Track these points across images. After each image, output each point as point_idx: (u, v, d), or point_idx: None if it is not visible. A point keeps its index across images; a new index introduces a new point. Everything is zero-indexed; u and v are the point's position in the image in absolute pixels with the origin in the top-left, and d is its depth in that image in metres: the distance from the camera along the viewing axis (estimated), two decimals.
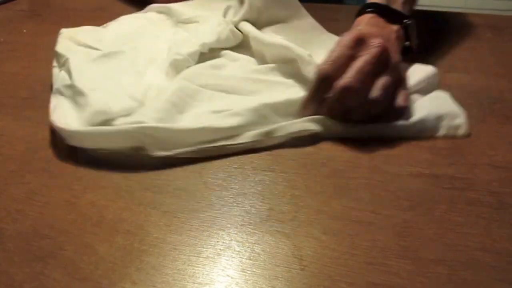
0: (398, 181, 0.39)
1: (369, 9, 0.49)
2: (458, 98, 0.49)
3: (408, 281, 0.30)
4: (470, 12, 0.75)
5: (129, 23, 0.62)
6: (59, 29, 0.59)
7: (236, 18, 0.56)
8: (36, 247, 0.34)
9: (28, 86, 0.54)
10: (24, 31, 0.71)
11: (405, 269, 0.31)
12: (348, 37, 0.43)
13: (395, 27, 0.48)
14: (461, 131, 0.44)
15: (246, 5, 0.55)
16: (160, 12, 0.63)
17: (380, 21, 0.48)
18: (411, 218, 0.35)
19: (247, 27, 0.55)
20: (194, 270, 0.32)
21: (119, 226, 0.35)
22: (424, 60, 0.57)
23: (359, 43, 0.43)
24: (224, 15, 0.59)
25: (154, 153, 0.42)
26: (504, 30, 0.66)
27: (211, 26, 0.56)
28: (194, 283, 0.31)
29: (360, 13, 0.50)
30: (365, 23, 0.47)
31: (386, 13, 0.48)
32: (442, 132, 0.44)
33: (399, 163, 0.41)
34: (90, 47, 0.55)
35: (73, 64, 0.50)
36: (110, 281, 0.31)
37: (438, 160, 0.41)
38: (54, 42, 0.61)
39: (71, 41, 0.57)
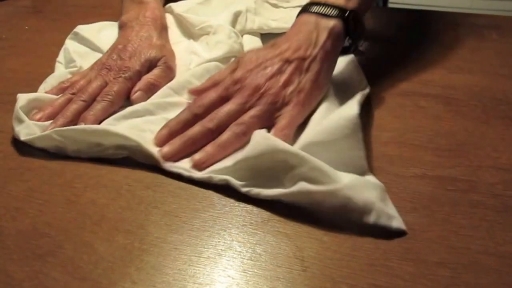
0: (401, 183, 0.38)
1: (309, 7, 0.48)
2: (463, 99, 0.49)
3: (410, 283, 0.30)
4: (476, 13, 0.75)
5: None
6: (61, 25, 0.59)
7: (249, 27, 0.58)
8: (35, 245, 0.33)
9: (29, 83, 0.53)
10: (26, 27, 0.71)
11: (407, 271, 0.31)
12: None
13: (331, 23, 0.46)
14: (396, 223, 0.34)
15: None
16: (172, 20, 0.62)
17: (314, 20, 0.46)
18: (413, 220, 0.35)
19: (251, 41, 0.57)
20: (194, 270, 0.31)
21: (119, 225, 0.35)
22: (428, 61, 0.57)
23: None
24: (234, 22, 0.58)
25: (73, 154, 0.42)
26: (509, 31, 0.66)
27: (222, 38, 0.55)
28: (194, 283, 0.30)
29: (301, 11, 0.48)
30: (297, 29, 0.47)
31: (323, 9, 0.47)
32: (369, 218, 0.34)
33: (403, 165, 0.40)
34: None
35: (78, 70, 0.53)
36: (110, 280, 0.31)
37: (442, 162, 0.40)
38: (55, 39, 0.61)
39: (85, 45, 0.57)
